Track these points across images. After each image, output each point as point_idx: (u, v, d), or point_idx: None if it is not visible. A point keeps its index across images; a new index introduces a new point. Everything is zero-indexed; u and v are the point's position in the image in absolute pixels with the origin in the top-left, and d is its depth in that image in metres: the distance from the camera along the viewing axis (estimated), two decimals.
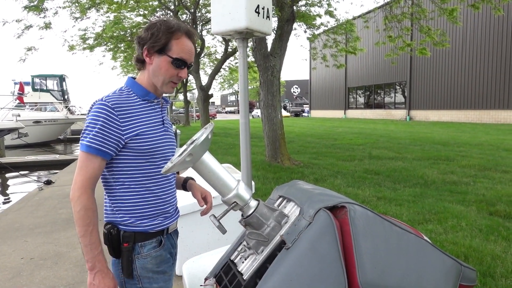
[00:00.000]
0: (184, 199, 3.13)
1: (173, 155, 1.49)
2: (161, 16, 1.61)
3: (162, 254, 1.45)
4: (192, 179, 1.65)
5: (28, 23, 10.06)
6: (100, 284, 1.31)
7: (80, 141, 1.34)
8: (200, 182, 1.97)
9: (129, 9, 13.40)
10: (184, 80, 15.37)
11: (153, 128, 1.42)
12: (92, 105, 1.37)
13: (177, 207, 1.58)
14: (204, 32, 18.57)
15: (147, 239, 1.41)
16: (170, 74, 1.41)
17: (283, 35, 8.09)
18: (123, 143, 1.34)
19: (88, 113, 1.37)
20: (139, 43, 1.41)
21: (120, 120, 1.33)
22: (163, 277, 1.46)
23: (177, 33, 1.40)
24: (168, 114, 1.54)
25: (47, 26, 10.20)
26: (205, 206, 1.57)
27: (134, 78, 1.48)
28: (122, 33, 15.38)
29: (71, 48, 14.10)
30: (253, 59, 9.26)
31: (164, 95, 1.56)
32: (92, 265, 1.31)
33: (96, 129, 1.30)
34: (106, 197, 1.43)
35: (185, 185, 1.64)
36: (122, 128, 1.33)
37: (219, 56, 21.63)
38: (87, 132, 1.32)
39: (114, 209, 1.40)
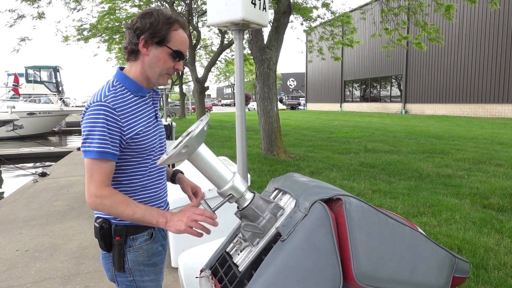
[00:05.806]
0: (179, 192, 3.13)
1: (165, 149, 1.48)
2: (157, 5, 1.57)
3: (153, 246, 1.45)
4: (181, 172, 1.64)
5: (21, 13, 9.93)
6: (180, 217, 1.26)
7: (83, 147, 1.27)
8: (196, 174, 1.97)
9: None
10: (180, 72, 15.25)
11: (149, 126, 1.40)
12: (87, 107, 1.30)
13: (166, 200, 1.58)
14: (200, 24, 18.42)
15: (139, 232, 1.40)
16: (167, 66, 1.38)
17: (279, 27, 8.04)
18: (124, 144, 1.32)
19: (84, 115, 1.30)
20: (134, 32, 1.34)
21: (122, 121, 1.31)
22: (154, 269, 1.46)
23: (176, 24, 1.36)
24: (160, 106, 1.48)
25: (40, 16, 10.07)
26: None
27: (122, 69, 1.42)
28: (117, 24, 15.22)
29: (66, 38, 13.95)
30: (249, 52, 9.21)
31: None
32: (161, 220, 1.27)
33: (101, 133, 1.25)
34: None
35: (174, 178, 1.62)
36: (124, 129, 1.31)
37: (215, 48, 21.48)
38: (91, 136, 1.26)
39: None
